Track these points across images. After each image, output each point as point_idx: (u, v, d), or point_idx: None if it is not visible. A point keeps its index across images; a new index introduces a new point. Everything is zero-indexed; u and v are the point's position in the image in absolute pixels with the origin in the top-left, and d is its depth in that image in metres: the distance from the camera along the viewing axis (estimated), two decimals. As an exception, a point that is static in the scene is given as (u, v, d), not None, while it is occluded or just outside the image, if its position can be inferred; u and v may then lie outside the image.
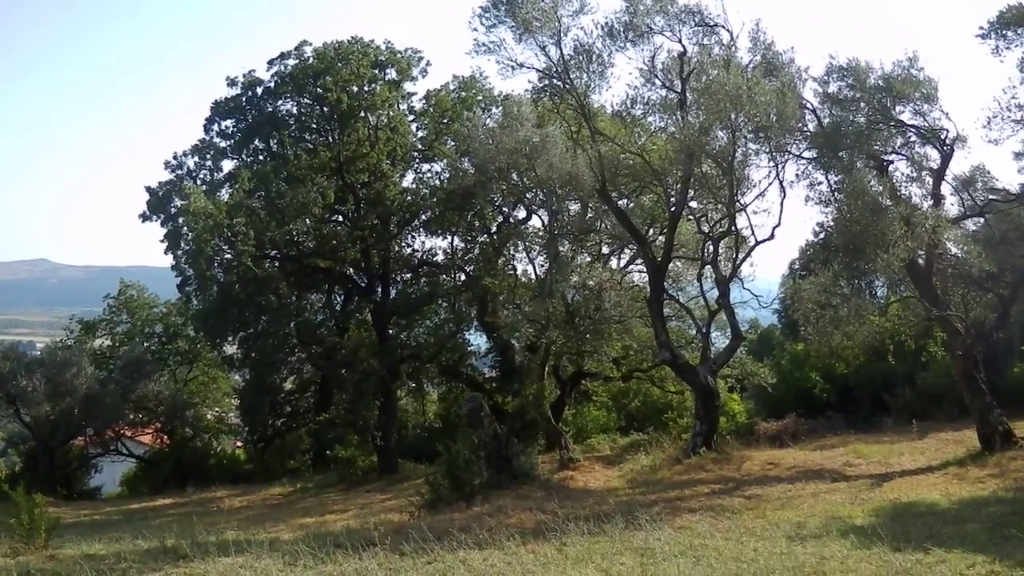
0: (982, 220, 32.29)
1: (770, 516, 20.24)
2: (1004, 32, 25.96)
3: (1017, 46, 25.94)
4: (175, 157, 47.98)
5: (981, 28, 26.58)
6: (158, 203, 45.70)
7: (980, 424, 28.18)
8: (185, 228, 43.77)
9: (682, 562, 15.01)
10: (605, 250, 40.74)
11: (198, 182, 46.80)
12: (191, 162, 47.94)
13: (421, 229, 48.20)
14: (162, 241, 45.29)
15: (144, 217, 46.00)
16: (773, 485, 25.48)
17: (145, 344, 57.61)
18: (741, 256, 34.32)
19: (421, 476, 34.22)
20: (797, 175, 31.56)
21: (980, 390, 28.32)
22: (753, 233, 34.08)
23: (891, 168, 30.15)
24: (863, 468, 27.93)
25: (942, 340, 36.08)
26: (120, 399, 50.74)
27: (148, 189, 46.36)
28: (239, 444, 58.94)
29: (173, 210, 44.99)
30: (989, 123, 26.79)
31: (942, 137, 29.04)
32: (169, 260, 45.56)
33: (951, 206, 30.93)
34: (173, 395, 53.86)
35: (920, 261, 28.95)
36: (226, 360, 51.33)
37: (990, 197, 30.83)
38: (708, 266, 34.54)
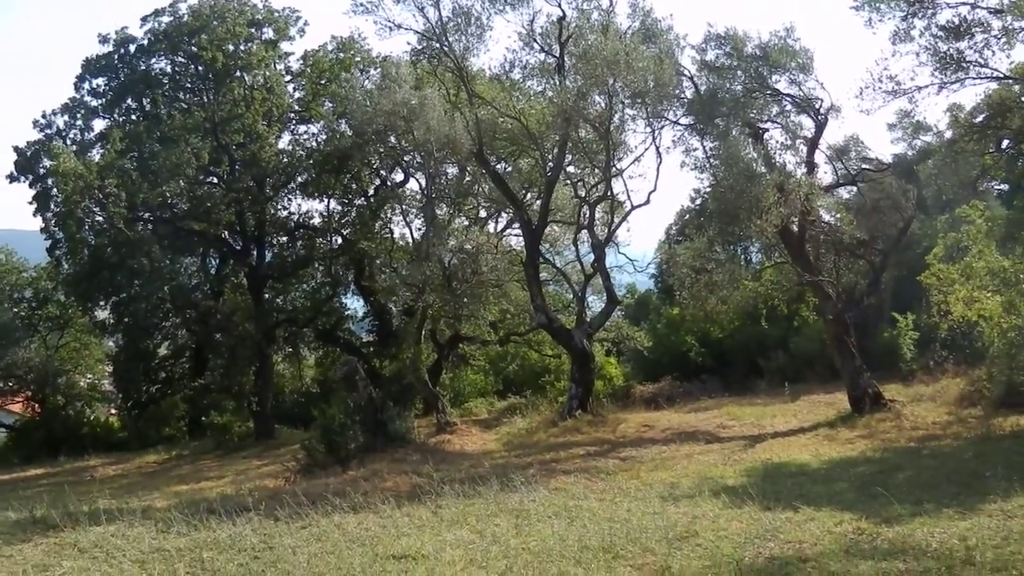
0: (854, 188, 32.96)
1: (644, 477, 20.44)
2: (877, 4, 26.22)
3: (889, 18, 26.18)
4: (44, 116, 46.80)
5: (855, 0, 26.87)
6: (26, 163, 44.51)
7: (850, 387, 28.77)
8: (55, 189, 42.71)
9: (556, 523, 15.08)
10: (482, 214, 40.81)
11: (68, 142, 45.68)
12: (61, 121, 46.75)
13: (297, 191, 47.53)
14: (31, 203, 44.27)
15: (11, 178, 44.82)
16: (647, 447, 25.75)
17: (14, 310, 55.98)
18: (617, 221, 34.55)
19: (298, 441, 34.01)
20: (673, 141, 31.88)
21: (851, 354, 28.91)
22: (629, 198, 34.49)
23: (766, 136, 30.60)
24: (736, 430, 28.37)
25: (814, 305, 36.71)
26: (-13, 367, 49.66)
27: (16, 149, 45.13)
28: (113, 412, 57.79)
29: (42, 171, 43.87)
30: (861, 93, 27.08)
31: (816, 106, 29.52)
32: (38, 223, 44.51)
33: (824, 174, 31.62)
34: (44, 362, 52.71)
35: (793, 228, 29.44)
36: (98, 325, 50.15)
37: (863, 166, 31.48)
38: (584, 230, 34.76)
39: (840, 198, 33.94)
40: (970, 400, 27.20)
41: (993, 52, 25.16)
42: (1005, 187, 36.98)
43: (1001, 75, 25.94)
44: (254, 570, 13.26)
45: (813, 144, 30.18)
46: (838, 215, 32.21)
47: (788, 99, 30.00)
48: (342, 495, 18.50)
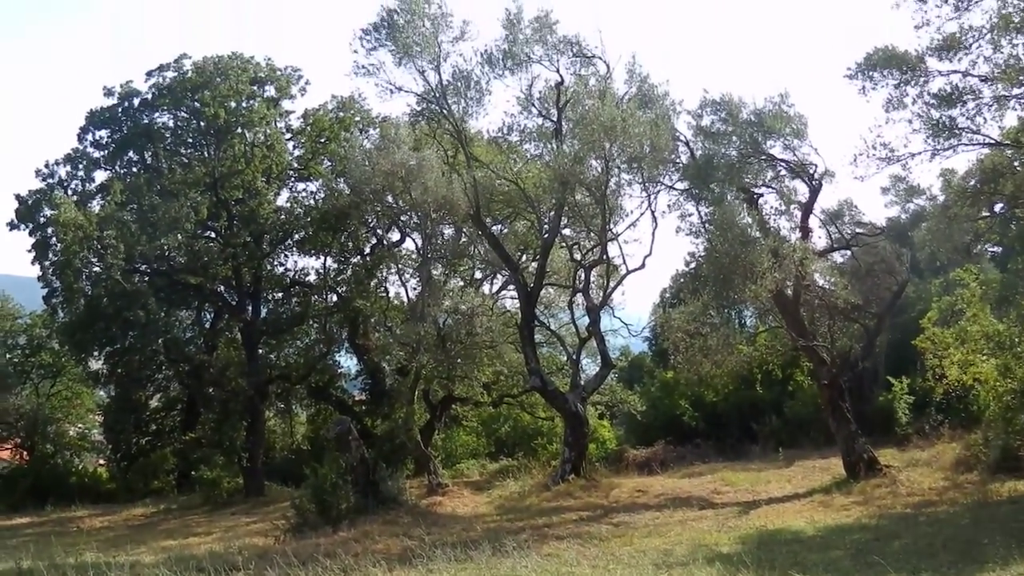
0: (849, 253, 33.00)
1: (637, 543, 20.36)
2: (870, 73, 26.49)
3: (882, 87, 26.46)
4: (47, 165, 46.82)
5: (849, 69, 27.08)
6: (27, 211, 44.56)
7: (845, 452, 28.74)
8: (54, 238, 42.77)
9: (549, 590, 15.02)
10: (478, 275, 40.97)
11: (69, 192, 45.75)
12: (63, 171, 46.79)
13: (294, 248, 47.62)
14: (30, 251, 44.26)
15: (12, 225, 44.83)
16: (641, 512, 25.63)
17: (7, 356, 55.96)
18: (612, 284, 34.71)
19: (288, 499, 33.74)
20: (669, 206, 32.06)
21: (845, 419, 28.89)
22: (625, 262, 34.70)
23: (761, 201, 30.78)
24: (731, 496, 28.26)
25: (809, 369, 36.69)
26: (-22, 412, 49.53)
27: (17, 197, 45.22)
28: (102, 462, 57.45)
29: (42, 219, 43.87)
30: (856, 160, 27.26)
31: (811, 172, 29.72)
32: (36, 270, 44.49)
33: (819, 239, 31.75)
34: (34, 409, 52.60)
35: (788, 292, 29.48)
36: (91, 375, 50.00)
37: (856, 230, 31.59)
38: (579, 294, 34.78)
39: (834, 262, 33.96)
40: (966, 465, 27.16)
41: (985, 119, 25.38)
42: (999, 251, 37.15)
43: (993, 141, 26.12)
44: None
45: (807, 209, 30.38)
46: (832, 279, 32.24)
47: (783, 164, 30.22)
48: (332, 556, 18.43)
